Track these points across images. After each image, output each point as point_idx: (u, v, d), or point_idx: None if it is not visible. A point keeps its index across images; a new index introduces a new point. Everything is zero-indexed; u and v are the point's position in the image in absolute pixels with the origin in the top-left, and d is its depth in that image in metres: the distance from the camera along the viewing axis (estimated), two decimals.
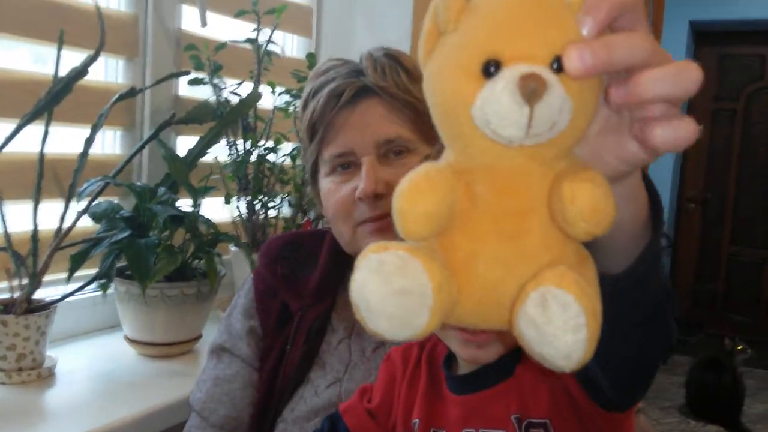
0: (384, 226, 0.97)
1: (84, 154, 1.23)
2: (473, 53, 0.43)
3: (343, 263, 1.08)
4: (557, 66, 0.43)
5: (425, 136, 1.00)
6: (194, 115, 1.41)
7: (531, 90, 0.41)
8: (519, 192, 0.45)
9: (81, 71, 1.14)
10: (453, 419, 0.76)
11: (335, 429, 0.87)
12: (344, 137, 0.99)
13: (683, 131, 0.45)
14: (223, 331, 1.10)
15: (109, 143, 1.54)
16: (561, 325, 0.42)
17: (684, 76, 0.44)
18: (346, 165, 1.00)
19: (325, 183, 1.02)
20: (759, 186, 5.35)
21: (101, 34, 1.18)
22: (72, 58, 1.22)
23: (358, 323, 1.02)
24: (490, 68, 0.43)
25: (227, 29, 1.66)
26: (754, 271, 5.41)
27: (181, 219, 1.31)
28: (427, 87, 0.47)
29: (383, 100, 0.98)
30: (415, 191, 0.45)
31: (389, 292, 0.43)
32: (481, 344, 0.73)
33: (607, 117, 0.50)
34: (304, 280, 1.07)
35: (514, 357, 0.74)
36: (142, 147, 1.34)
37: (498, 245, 0.45)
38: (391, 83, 0.98)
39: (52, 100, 1.12)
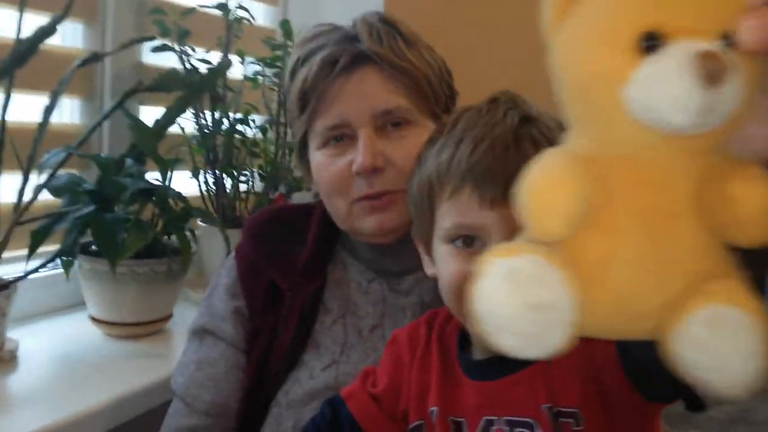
0: (383, 205, 0.93)
1: (44, 124, 1.14)
2: (626, 23, 0.37)
3: (333, 239, 1.04)
4: (726, 44, 0.37)
5: (423, 106, 0.95)
6: (161, 83, 1.31)
7: (711, 72, 0.35)
8: (665, 187, 0.39)
9: (48, 31, 1.05)
10: (472, 407, 0.71)
11: (337, 415, 0.81)
12: (339, 107, 0.93)
13: None
14: (204, 312, 1.04)
15: (66, 112, 1.45)
16: (734, 350, 0.37)
17: None
18: (339, 137, 0.94)
19: (317, 156, 0.97)
20: None
21: None
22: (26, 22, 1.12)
23: (352, 301, 1.00)
24: (651, 42, 0.36)
25: None
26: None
27: (150, 192, 1.24)
28: (556, 59, 0.41)
29: (380, 67, 0.93)
30: (551, 185, 0.39)
31: (523, 305, 0.38)
32: None
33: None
34: (292, 257, 1.01)
35: None
36: (108, 116, 1.25)
37: (640, 246, 0.39)
38: (387, 50, 0.93)
39: (17, 61, 1.03)
